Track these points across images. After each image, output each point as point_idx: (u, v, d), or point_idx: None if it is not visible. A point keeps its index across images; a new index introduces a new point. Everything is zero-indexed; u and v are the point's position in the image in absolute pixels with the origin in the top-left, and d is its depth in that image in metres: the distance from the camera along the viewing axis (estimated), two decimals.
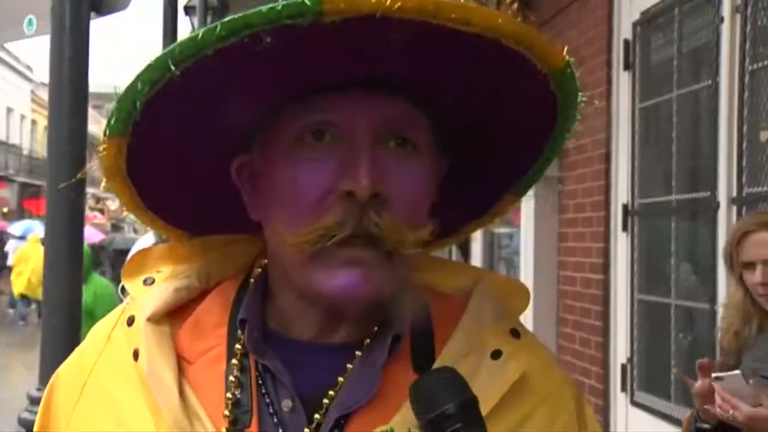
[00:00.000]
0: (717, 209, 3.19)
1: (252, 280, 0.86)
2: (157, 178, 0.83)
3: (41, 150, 28.23)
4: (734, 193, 3.11)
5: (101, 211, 31.34)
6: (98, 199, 32.61)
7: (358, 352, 0.80)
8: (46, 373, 2.07)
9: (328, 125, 0.76)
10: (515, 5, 4.98)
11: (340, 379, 0.79)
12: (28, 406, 2.27)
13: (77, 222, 2.15)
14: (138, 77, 0.71)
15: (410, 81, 0.76)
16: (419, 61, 0.73)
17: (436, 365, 0.78)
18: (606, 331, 4.12)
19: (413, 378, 0.76)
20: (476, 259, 7.02)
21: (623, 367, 4.02)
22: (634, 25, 4.00)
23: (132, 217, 0.88)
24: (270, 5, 0.66)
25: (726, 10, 3.18)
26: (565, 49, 0.74)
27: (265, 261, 0.86)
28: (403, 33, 0.68)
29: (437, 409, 0.69)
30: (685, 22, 3.62)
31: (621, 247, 4.06)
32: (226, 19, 0.66)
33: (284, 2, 0.66)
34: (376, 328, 0.81)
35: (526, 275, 5.28)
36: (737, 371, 1.99)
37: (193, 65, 0.69)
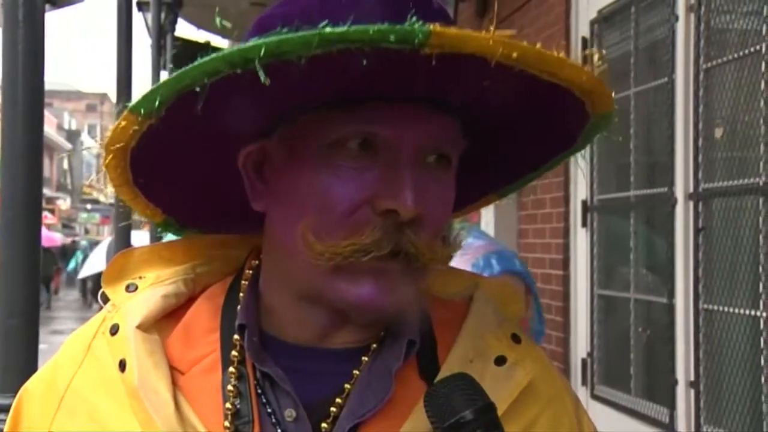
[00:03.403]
0: (674, 204, 3.24)
1: (244, 282, 0.81)
2: (153, 157, 0.76)
3: None
4: (691, 189, 3.17)
5: (52, 211, 30.70)
6: (48, 199, 31.92)
7: (364, 358, 0.77)
8: (3, 378, 2.00)
9: (374, 136, 0.73)
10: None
11: (347, 386, 0.75)
12: None
13: (34, 222, 2.09)
14: (205, 64, 0.64)
15: (458, 101, 0.75)
16: (477, 89, 0.72)
17: (443, 371, 0.76)
18: (566, 326, 4.17)
19: (420, 384, 0.74)
20: None
21: (584, 361, 4.07)
22: (592, 23, 4.04)
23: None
24: (377, 27, 0.62)
25: (681, 8, 3.24)
26: (613, 94, 0.76)
27: (256, 262, 0.82)
28: (492, 75, 0.66)
29: (454, 416, 0.67)
30: (642, 20, 3.68)
31: (580, 242, 4.11)
32: (326, 30, 0.62)
33: (391, 26, 0.62)
34: (382, 333, 0.78)
35: None
36: None
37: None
